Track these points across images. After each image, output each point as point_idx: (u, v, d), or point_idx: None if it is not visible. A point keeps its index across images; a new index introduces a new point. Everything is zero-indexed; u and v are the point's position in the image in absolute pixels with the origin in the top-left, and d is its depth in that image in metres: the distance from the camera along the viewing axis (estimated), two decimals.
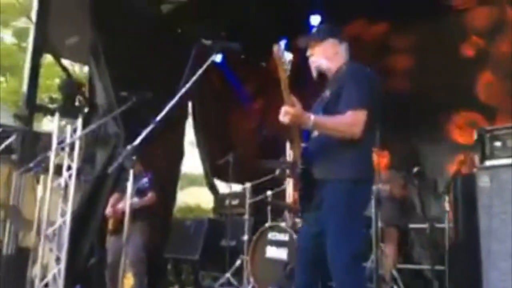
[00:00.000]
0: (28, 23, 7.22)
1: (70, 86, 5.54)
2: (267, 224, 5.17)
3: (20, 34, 14.67)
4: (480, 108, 5.84)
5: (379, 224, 4.09)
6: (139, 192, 4.74)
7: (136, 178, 3.79)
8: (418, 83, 6.37)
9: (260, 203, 5.66)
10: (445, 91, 6.04)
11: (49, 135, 5.42)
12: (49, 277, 4.96)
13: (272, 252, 4.97)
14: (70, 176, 5.21)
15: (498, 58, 5.80)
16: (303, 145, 2.68)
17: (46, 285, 4.96)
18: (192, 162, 9.13)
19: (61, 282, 4.94)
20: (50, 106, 5.52)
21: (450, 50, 6.16)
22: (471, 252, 3.71)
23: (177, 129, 7.24)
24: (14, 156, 5.53)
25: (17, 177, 5.40)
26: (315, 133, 2.68)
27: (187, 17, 6.98)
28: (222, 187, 8.03)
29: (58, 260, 5.01)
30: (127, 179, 2.76)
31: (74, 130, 5.30)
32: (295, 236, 4.68)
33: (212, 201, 8.27)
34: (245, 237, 5.42)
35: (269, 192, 5.39)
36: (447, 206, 4.60)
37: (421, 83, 6.33)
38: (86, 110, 5.61)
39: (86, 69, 7.50)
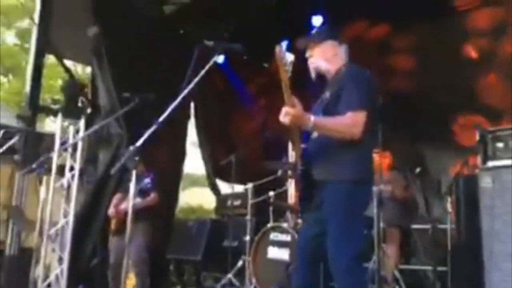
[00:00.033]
0: (31, 24, 7.23)
1: (73, 87, 5.56)
2: (269, 225, 5.17)
3: (23, 35, 14.72)
4: (483, 110, 5.82)
5: (381, 224, 4.09)
6: (142, 192, 4.75)
7: (139, 179, 3.80)
8: (421, 84, 6.36)
9: (262, 204, 5.65)
10: (448, 92, 6.03)
11: (52, 136, 5.44)
12: (52, 277, 4.97)
13: (274, 252, 4.97)
14: (72, 176, 5.22)
15: (502, 60, 5.78)
16: (302, 146, 2.69)
17: (49, 285, 4.97)
18: (194, 162, 9.14)
19: (63, 282, 4.95)
20: (53, 107, 5.55)
21: (453, 51, 6.15)
22: (473, 253, 3.71)
23: (180, 129, 7.25)
24: (16, 157, 5.54)
25: (20, 178, 5.42)
26: (315, 134, 2.68)
27: (190, 18, 6.98)
28: (224, 187, 8.04)
29: (60, 260, 5.03)
30: (129, 180, 2.76)
31: (77, 131, 5.32)
32: (297, 237, 4.68)
33: (214, 201, 8.27)
34: (247, 238, 5.43)
35: (271, 193, 5.39)
36: (449, 207, 4.60)
37: (424, 84, 6.32)
38: (88, 111, 5.63)
39: (88, 70, 7.52)
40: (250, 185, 5.82)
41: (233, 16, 7.02)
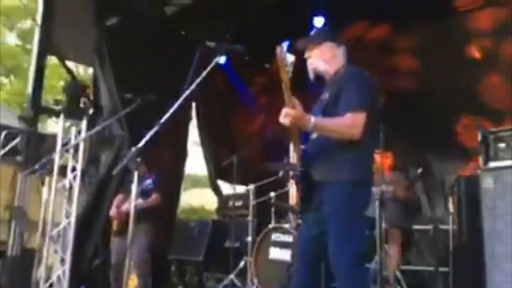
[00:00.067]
0: (33, 25, 7.25)
1: (75, 87, 5.56)
2: (270, 226, 5.18)
3: (24, 36, 14.75)
4: (485, 111, 5.81)
5: (383, 225, 4.09)
6: (143, 193, 4.75)
7: (140, 180, 3.81)
8: (423, 85, 6.36)
9: (264, 205, 5.66)
10: (450, 92, 6.02)
11: (53, 137, 5.44)
12: (54, 278, 4.97)
13: (276, 253, 4.97)
14: (74, 177, 5.23)
15: (504, 61, 5.76)
16: (302, 147, 2.69)
17: (51, 286, 4.97)
18: (196, 163, 9.15)
19: (65, 283, 4.95)
20: (55, 107, 5.55)
21: (455, 52, 6.13)
22: (475, 254, 3.71)
23: (181, 130, 7.25)
24: (19, 158, 5.56)
25: (22, 179, 5.43)
26: (314, 135, 2.69)
27: (191, 19, 6.99)
28: (226, 188, 8.05)
29: (62, 261, 5.03)
30: (131, 181, 2.77)
31: (79, 132, 5.32)
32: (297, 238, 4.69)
33: (215, 202, 8.28)
34: (249, 239, 5.43)
35: (272, 194, 5.40)
36: (451, 208, 4.60)
37: (426, 84, 6.32)
38: (90, 111, 5.63)
39: (90, 70, 7.54)
40: (251, 186, 5.83)
41: (234, 17, 7.03)
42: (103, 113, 5.90)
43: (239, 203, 6.36)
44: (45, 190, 5.19)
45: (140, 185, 4.44)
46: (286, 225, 5.02)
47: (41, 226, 5.02)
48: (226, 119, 8.42)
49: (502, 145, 3.72)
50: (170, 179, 6.61)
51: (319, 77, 2.81)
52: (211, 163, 8.27)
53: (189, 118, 7.68)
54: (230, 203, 6.50)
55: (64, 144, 5.20)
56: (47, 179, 5.18)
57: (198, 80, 2.72)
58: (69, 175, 5.22)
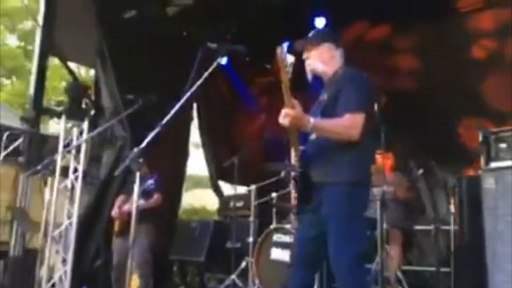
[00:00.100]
0: (34, 26, 7.27)
1: (77, 88, 5.58)
2: (272, 226, 5.18)
3: (26, 37, 14.79)
4: (487, 112, 5.80)
5: (384, 226, 4.09)
6: (145, 193, 4.76)
7: (142, 180, 3.81)
8: (425, 85, 6.35)
9: (265, 205, 5.67)
10: (452, 93, 6.02)
11: (55, 138, 5.46)
12: (56, 278, 4.99)
13: (277, 254, 4.98)
14: (76, 178, 5.24)
15: (506, 62, 5.75)
16: (301, 148, 2.70)
17: (53, 286, 4.99)
18: (197, 164, 9.15)
19: (67, 283, 4.97)
20: (57, 108, 5.57)
21: (457, 53, 6.13)
22: (476, 254, 3.71)
23: (183, 131, 7.26)
24: (21, 158, 5.57)
25: (24, 179, 5.44)
26: (313, 136, 2.70)
27: (193, 20, 6.99)
28: (227, 189, 8.05)
29: (64, 261, 5.04)
30: (133, 181, 2.78)
31: (81, 133, 5.33)
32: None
33: (217, 203, 8.28)
34: (250, 239, 5.44)
35: (274, 194, 5.41)
36: (452, 208, 4.60)
37: (428, 85, 6.32)
38: (92, 112, 5.64)
39: (92, 72, 7.55)
40: (253, 187, 5.83)
41: (236, 18, 7.03)
42: (104, 114, 5.90)
43: (240, 204, 6.36)
44: (47, 190, 5.21)
45: (142, 186, 4.44)
46: (288, 226, 5.03)
47: (43, 226, 5.04)
48: (227, 120, 8.42)
49: (503, 145, 3.72)
50: (172, 179, 6.62)
51: (317, 78, 2.82)
52: (212, 164, 8.28)
53: (190, 119, 7.69)
54: (232, 204, 6.51)
55: (66, 145, 5.21)
56: (49, 180, 5.20)
57: (199, 81, 2.72)
58: (71, 176, 5.24)
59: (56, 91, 12.17)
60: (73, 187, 5.20)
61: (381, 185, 4.16)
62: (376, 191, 4.24)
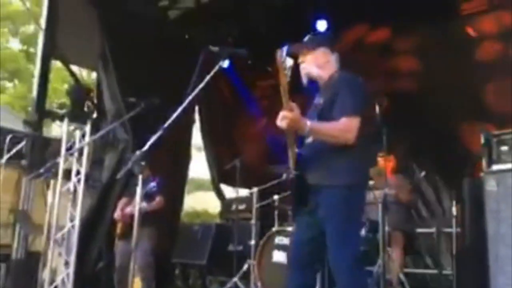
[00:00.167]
0: (36, 29, 7.30)
1: (79, 91, 5.59)
2: (274, 229, 5.18)
3: (28, 40, 14.84)
4: (489, 115, 5.79)
5: (386, 228, 4.09)
6: (147, 196, 4.76)
7: (144, 183, 3.82)
8: (426, 87, 6.35)
9: (267, 208, 5.67)
10: (453, 95, 6.02)
11: (58, 141, 5.47)
12: (58, 281, 4.99)
13: (279, 256, 4.97)
14: (78, 181, 5.25)
15: (509, 64, 5.74)
16: (297, 151, 2.72)
17: None
18: (199, 166, 9.16)
19: (70, 286, 4.97)
20: (59, 111, 5.58)
21: (459, 55, 6.13)
22: (478, 257, 3.70)
23: (184, 134, 7.27)
24: (24, 161, 5.59)
25: (27, 182, 5.46)
26: (309, 140, 2.73)
27: (195, 23, 7.02)
28: (229, 191, 8.06)
29: (67, 264, 5.05)
30: (135, 184, 2.78)
31: (83, 136, 5.34)
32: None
33: (219, 206, 8.28)
34: (252, 242, 5.43)
35: (276, 197, 5.41)
36: (454, 211, 4.60)
37: (429, 87, 6.31)
38: (94, 115, 5.66)
39: (94, 74, 7.57)
40: (255, 189, 5.84)
41: (237, 21, 7.05)
42: (107, 117, 5.92)
43: (242, 207, 6.37)
44: (49, 193, 5.21)
45: (144, 188, 4.46)
46: (290, 228, 5.02)
47: (46, 229, 5.04)
48: (228, 123, 8.44)
49: (505, 148, 3.71)
50: (174, 182, 6.64)
51: (312, 82, 2.84)
52: (214, 166, 8.29)
53: (192, 122, 7.70)
54: (233, 207, 6.51)
55: (69, 148, 5.22)
56: (51, 182, 5.21)
57: (201, 85, 2.73)
58: (73, 178, 5.24)
59: (58, 94, 12.20)
60: (75, 190, 5.21)
61: (383, 187, 4.17)
62: (378, 193, 4.25)
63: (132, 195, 4.67)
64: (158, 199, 4.89)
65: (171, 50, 6.59)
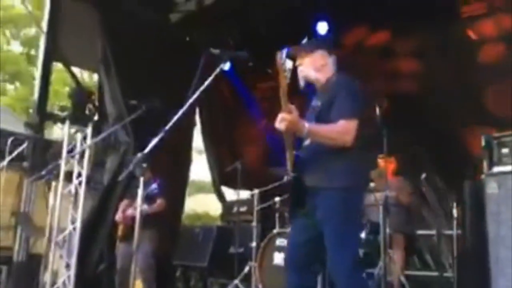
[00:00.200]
0: (38, 32, 7.33)
1: (80, 94, 5.60)
2: (275, 231, 5.19)
3: (29, 43, 14.88)
4: (490, 117, 5.79)
5: (387, 230, 4.10)
6: (148, 198, 4.77)
7: (146, 185, 3.83)
8: (427, 89, 6.36)
9: (268, 210, 5.68)
10: (454, 97, 6.02)
11: (59, 143, 5.48)
12: (59, 283, 4.99)
13: (280, 258, 4.97)
14: (80, 183, 5.26)
15: (510, 67, 5.74)
16: (294, 153, 2.73)
17: None
18: (200, 169, 9.17)
19: None
20: (61, 114, 5.59)
21: (460, 57, 6.13)
22: (479, 259, 3.71)
23: (185, 136, 7.28)
24: (25, 164, 5.60)
25: (28, 184, 5.47)
26: (307, 142, 2.74)
27: (196, 26, 7.03)
28: (230, 194, 8.06)
29: (68, 266, 5.05)
30: (137, 186, 2.79)
31: (84, 138, 5.35)
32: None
33: (220, 208, 8.29)
34: (253, 244, 5.44)
35: (277, 199, 5.41)
36: (455, 213, 4.60)
37: (430, 89, 6.32)
38: (96, 118, 5.67)
39: (95, 77, 7.59)
40: (256, 191, 5.84)
41: (238, 23, 7.06)
42: (108, 120, 5.93)
43: (243, 209, 6.37)
44: (51, 195, 5.23)
45: (145, 191, 4.47)
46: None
47: (47, 231, 5.05)
48: (229, 125, 8.45)
49: (505, 150, 3.72)
50: (175, 184, 6.64)
51: (309, 84, 2.86)
52: (215, 169, 8.29)
53: (193, 124, 7.71)
54: (235, 209, 6.52)
55: (70, 150, 5.23)
56: (53, 184, 5.22)
57: (203, 87, 2.74)
58: (75, 181, 5.25)
59: (59, 96, 12.22)
60: (76, 192, 5.21)
61: (384, 189, 4.17)
62: (378, 195, 4.26)
63: (133, 197, 4.68)
64: (159, 201, 4.90)
65: (172, 52, 6.60)
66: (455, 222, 4.58)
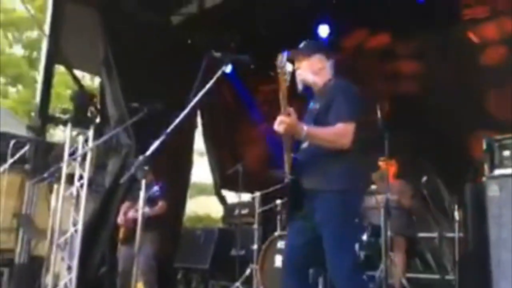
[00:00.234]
0: (40, 35, 7.36)
1: (82, 97, 5.62)
2: (276, 233, 5.19)
3: (31, 46, 14.92)
4: (491, 120, 5.78)
5: (388, 233, 4.10)
6: (150, 200, 4.77)
7: (147, 187, 3.84)
8: (428, 92, 6.36)
9: (269, 213, 5.68)
10: (455, 100, 6.02)
11: (61, 145, 5.49)
12: (61, 285, 4.99)
13: (281, 261, 4.97)
14: (81, 185, 5.26)
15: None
16: (293, 155, 2.73)
17: None
18: (201, 171, 9.18)
19: None
20: (62, 116, 5.61)
21: (462, 60, 6.12)
22: (481, 262, 3.70)
23: (187, 139, 7.29)
24: (27, 166, 5.61)
25: (30, 187, 5.47)
26: (305, 145, 2.76)
27: (197, 29, 7.05)
28: (231, 196, 8.06)
29: (69, 268, 5.05)
30: (138, 189, 2.80)
31: (86, 141, 5.36)
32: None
33: (221, 210, 8.29)
34: (255, 246, 5.44)
35: (278, 201, 5.42)
36: (456, 216, 4.60)
37: (431, 91, 6.32)
38: (97, 120, 5.68)
39: (97, 79, 7.61)
40: (257, 194, 5.84)
41: (240, 26, 7.08)
42: (110, 122, 5.95)
43: (244, 211, 6.38)
44: (53, 198, 5.23)
45: (147, 193, 4.47)
46: None
47: (49, 234, 5.06)
48: (231, 127, 8.45)
49: (507, 153, 3.72)
50: (176, 187, 6.64)
51: (307, 87, 2.87)
52: (216, 171, 8.30)
53: (194, 127, 7.72)
54: (236, 211, 6.52)
55: (72, 153, 5.24)
56: (55, 187, 5.23)
57: (204, 90, 2.75)
58: (76, 183, 5.26)
59: (61, 98, 12.23)
60: (78, 195, 5.22)
61: (385, 192, 4.17)
62: (380, 198, 4.26)
63: (135, 200, 4.69)
64: (160, 203, 4.91)
65: (173, 55, 6.61)
66: (456, 225, 4.58)
